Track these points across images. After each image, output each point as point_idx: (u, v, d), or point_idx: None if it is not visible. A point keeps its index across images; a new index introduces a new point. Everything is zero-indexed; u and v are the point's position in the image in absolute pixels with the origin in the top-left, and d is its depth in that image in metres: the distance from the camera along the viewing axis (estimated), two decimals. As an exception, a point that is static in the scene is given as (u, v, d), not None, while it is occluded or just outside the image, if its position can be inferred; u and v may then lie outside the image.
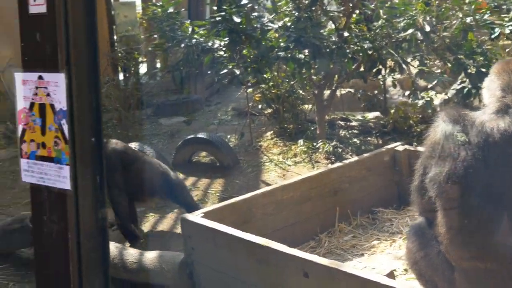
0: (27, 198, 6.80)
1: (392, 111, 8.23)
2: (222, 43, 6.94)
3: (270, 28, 6.99)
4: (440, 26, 6.81)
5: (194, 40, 6.97)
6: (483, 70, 6.33)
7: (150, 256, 4.68)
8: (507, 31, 6.40)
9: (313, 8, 6.80)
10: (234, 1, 6.58)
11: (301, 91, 8.59)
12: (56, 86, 2.09)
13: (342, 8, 7.24)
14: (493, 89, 3.53)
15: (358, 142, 7.89)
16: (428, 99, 7.20)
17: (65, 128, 2.11)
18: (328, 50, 6.58)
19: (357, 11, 7.26)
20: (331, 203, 5.28)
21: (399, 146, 5.75)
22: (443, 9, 6.67)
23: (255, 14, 6.90)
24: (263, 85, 8.17)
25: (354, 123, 8.55)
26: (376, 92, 9.42)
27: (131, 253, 4.78)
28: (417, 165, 3.70)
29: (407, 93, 7.91)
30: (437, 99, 8.34)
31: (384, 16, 6.80)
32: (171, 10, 7.18)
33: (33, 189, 2.28)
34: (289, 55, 6.73)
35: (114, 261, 4.64)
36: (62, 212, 2.20)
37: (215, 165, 7.84)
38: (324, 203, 5.25)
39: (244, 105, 9.92)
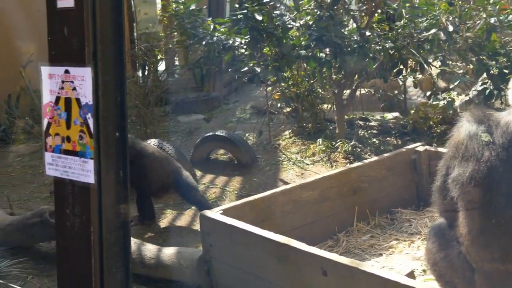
0: (46, 193, 6.86)
1: (412, 111, 8.20)
2: (243, 41, 6.93)
3: (292, 26, 6.98)
4: (463, 26, 6.77)
5: (215, 38, 6.97)
6: (506, 71, 6.30)
7: (169, 252, 4.70)
8: (531, 32, 6.37)
9: (335, 7, 6.78)
10: (256, -1, 6.59)
11: (320, 90, 8.57)
12: (82, 80, 2.09)
13: (364, 7, 7.21)
14: (519, 89, 3.51)
15: (377, 142, 7.86)
16: (450, 99, 7.17)
17: (90, 122, 2.11)
18: (349, 49, 6.56)
19: (379, 11, 7.24)
20: (350, 202, 5.27)
21: (420, 147, 5.73)
22: (466, 9, 6.64)
23: (277, 12, 6.89)
24: (283, 84, 8.16)
25: (373, 123, 8.53)
26: (396, 92, 9.38)
27: (150, 249, 4.80)
28: (440, 165, 3.68)
29: (428, 93, 7.88)
30: (458, 100, 8.30)
31: (407, 16, 6.77)
32: (193, 7, 7.19)
33: (57, 183, 2.28)
34: (310, 53, 6.71)
35: (132, 256, 4.65)
36: (85, 206, 2.20)
37: (233, 163, 7.85)
38: (343, 203, 5.24)
39: (262, 103, 9.91)
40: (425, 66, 6.88)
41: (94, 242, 2.20)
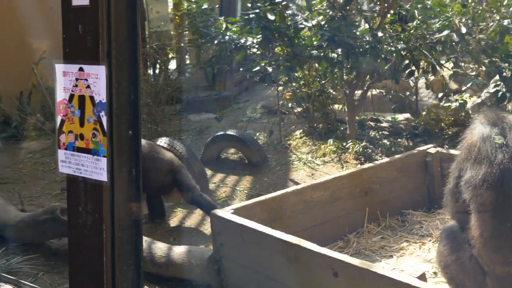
0: (57, 190, 6.88)
1: (424, 113, 8.17)
2: (255, 41, 6.93)
3: (304, 26, 6.97)
4: (476, 28, 6.75)
5: (227, 37, 6.97)
6: (519, 73, 6.28)
7: (179, 250, 4.70)
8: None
9: (348, 7, 6.77)
10: (268, -2, 6.59)
11: (332, 91, 8.55)
12: (96, 78, 2.09)
13: (377, 8, 7.20)
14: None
15: (388, 143, 7.85)
16: (462, 101, 7.14)
17: (104, 120, 2.11)
18: (361, 50, 6.55)
19: (392, 11, 7.22)
20: (360, 203, 5.26)
21: (431, 148, 5.71)
22: (479, 11, 6.62)
23: (289, 12, 6.89)
24: (294, 84, 8.15)
25: (384, 124, 8.50)
26: (407, 93, 9.36)
27: (160, 247, 4.80)
28: (452, 168, 3.68)
29: (439, 95, 7.85)
30: (470, 102, 8.28)
31: (419, 17, 6.75)
32: (205, 6, 7.19)
33: (70, 180, 2.29)
34: (322, 54, 6.71)
35: (142, 254, 4.65)
36: (98, 203, 2.20)
37: (243, 162, 7.84)
38: (354, 203, 5.23)
39: (273, 103, 9.91)
40: (437, 68, 6.86)
41: (106, 240, 2.20)
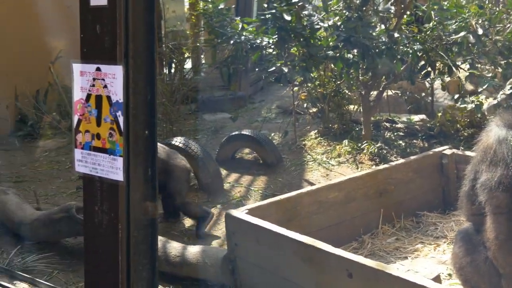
0: (72, 188, 6.91)
1: (439, 114, 8.14)
2: (271, 41, 6.93)
3: (320, 27, 6.96)
4: (492, 30, 6.72)
5: (243, 37, 6.97)
6: (535, 75, 6.25)
7: (193, 250, 4.71)
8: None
9: (364, 8, 6.76)
10: (285, -1, 6.58)
11: (347, 91, 8.54)
12: (114, 78, 2.10)
13: (393, 9, 7.18)
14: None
15: (403, 144, 7.82)
16: (478, 103, 7.12)
17: (121, 120, 2.12)
18: (377, 50, 6.54)
19: (408, 12, 7.20)
20: (375, 204, 5.26)
21: (447, 150, 5.69)
22: (496, 12, 6.59)
23: (305, 12, 6.88)
24: (310, 84, 8.14)
25: (399, 125, 8.48)
26: (423, 94, 9.33)
27: (175, 247, 4.82)
28: (468, 170, 3.66)
29: (456, 96, 7.82)
30: (485, 104, 8.24)
31: (436, 18, 6.73)
32: (221, 6, 7.19)
33: (86, 180, 2.30)
34: (338, 54, 6.70)
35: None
36: (114, 203, 2.21)
37: (258, 162, 7.84)
38: (369, 204, 5.23)
39: (288, 103, 9.90)
40: (453, 69, 6.84)
41: (122, 239, 2.21)
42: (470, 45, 6.51)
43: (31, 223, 5.46)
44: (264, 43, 7.01)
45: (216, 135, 9.40)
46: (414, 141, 8.01)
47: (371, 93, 7.71)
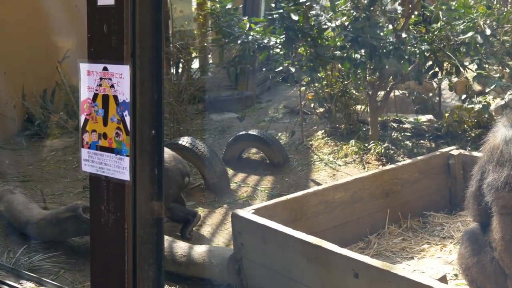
0: (79, 188, 6.91)
1: (447, 114, 8.13)
2: (278, 41, 6.92)
3: (327, 27, 6.96)
4: (500, 30, 6.71)
5: (250, 37, 6.97)
6: (543, 76, 6.23)
7: (199, 250, 4.71)
8: None
9: (372, 8, 6.75)
10: (292, -2, 6.58)
11: (354, 91, 8.53)
12: (120, 78, 2.11)
13: (400, 9, 7.17)
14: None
15: (410, 144, 7.81)
16: (485, 103, 7.10)
17: (127, 119, 2.13)
18: (385, 51, 6.53)
19: (416, 13, 7.20)
20: (382, 204, 5.25)
21: (454, 150, 5.69)
22: (504, 13, 6.58)
23: (313, 12, 6.87)
24: (317, 84, 8.13)
25: (406, 125, 8.47)
26: (430, 94, 9.32)
27: (181, 246, 4.81)
28: (474, 170, 3.66)
29: (463, 96, 7.81)
30: (493, 104, 8.22)
31: (443, 18, 6.72)
32: (229, 6, 7.20)
33: (93, 179, 2.30)
34: (345, 54, 6.70)
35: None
36: (120, 202, 2.22)
37: (265, 162, 7.84)
38: (375, 205, 5.22)
39: (295, 103, 9.90)
40: (461, 69, 6.83)
41: (128, 238, 2.21)
42: (478, 45, 6.50)
43: (37, 223, 5.47)
44: (272, 43, 7.00)
45: (223, 135, 9.40)
46: (421, 141, 8.00)
47: (378, 93, 7.70)
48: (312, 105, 9.04)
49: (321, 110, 9.03)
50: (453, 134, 7.91)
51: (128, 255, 2.22)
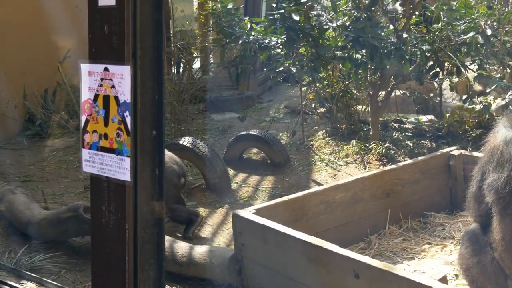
0: (80, 188, 6.92)
1: (447, 114, 8.13)
2: (279, 41, 6.93)
3: (329, 27, 6.96)
4: (501, 30, 6.71)
5: (251, 37, 6.97)
6: (543, 76, 6.23)
7: (200, 250, 4.72)
8: None
9: (373, 8, 6.75)
10: (293, -1, 6.58)
11: (355, 91, 8.53)
12: (121, 78, 2.11)
13: (400, 9, 7.17)
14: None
15: (411, 144, 7.81)
16: (486, 104, 7.11)
17: (128, 120, 2.13)
18: (386, 51, 6.53)
19: (417, 13, 7.20)
20: (383, 205, 5.25)
21: (455, 151, 5.69)
22: (505, 13, 6.58)
23: (314, 12, 6.87)
24: (318, 84, 8.13)
25: (407, 126, 8.47)
26: (431, 95, 9.31)
27: (181, 247, 4.82)
28: (475, 171, 3.66)
29: (464, 97, 7.81)
30: (494, 104, 8.22)
31: (445, 19, 6.72)
32: (230, 6, 7.20)
33: (93, 180, 2.30)
34: (346, 54, 6.70)
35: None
36: (121, 203, 2.22)
37: (266, 162, 7.84)
38: (376, 205, 5.23)
39: (296, 103, 9.90)
40: (462, 70, 6.83)
41: (129, 239, 2.21)
42: (478, 45, 6.50)
43: (38, 223, 5.47)
44: (273, 43, 7.00)
45: (224, 135, 9.41)
46: (422, 141, 8.00)
47: (379, 93, 7.70)
48: (313, 105, 9.05)
49: (322, 110, 9.03)
50: (454, 134, 7.91)
51: (129, 256, 2.22)
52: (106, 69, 2.15)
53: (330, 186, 5.10)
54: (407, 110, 9.21)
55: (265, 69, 8.41)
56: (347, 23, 6.76)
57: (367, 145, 7.60)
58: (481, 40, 6.31)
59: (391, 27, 7.18)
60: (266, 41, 7.00)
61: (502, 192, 3.30)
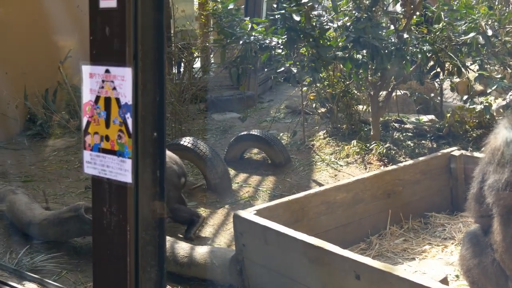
0: (81, 188, 6.92)
1: (448, 115, 8.13)
2: (280, 41, 6.93)
3: (329, 27, 6.96)
4: (502, 31, 6.72)
5: (252, 37, 6.97)
6: (544, 77, 6.24)
7: (201, 251, 4.72)
8: None
9: (374, 9, 6.75)
10: (294, -1, 6.58)
11: (356, 92, 8.54)
12: (123, 80, 2.11)
13: (403, 10, 7.17)
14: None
15: (412, 145, 7.81)
16: (487, 104, 7.11)
17: (129, 122, 2.13)
18: (386, 51, 6.53)
19: (418, 13, 7.20)
20: (383, 205, 5.26)
21: (455, 151, 5.69)
22: (506, 14, 6.58)
23: (315, 13, 6.88)
24: (319, 84, 8.14)
25: (408, 126, 8.48)
26: (432, 95, 9.32)
27: (182, 247, 4.82)
28: (476, 172, 3.66)
29: (465, 97, 7.81)
30: (494, 104, 8.22)
31: (445, 19, 6.72)
32: (231, 6, 7.21)
33: (95, 181, 2.30)
34: (347, 55, 6.70)
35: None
36: (122, 204, 2.22)
37: (266, 162, 7.85)
38: (377, 205, 5.23)
39: (297, 103, 9.90)
40: (463, 70, 6.83)
41: (130, 240, 2.21)
42: (479, 46, 6.50)
43: (40, 223, 5.47)
44: (273, 43, 7.01)
45: (224, 135, 9.41)
46: (423, 141, 8.00)
47: (380, 93, 7.70)
48: (314, 105, 9.05)
49: (323, 110, 9.03)
50: (455, 135, 7.91)
51: (130, 257, 2.22)
52: (107, 71, 2.15)
53: (331, 187, 5.11)
54: (407, 110, 9.21)
55: (266, 70, 8.41)
56: (348, 24, 6.76)
57: (368, 145, 7.60)
58: (481, 41, 6.32)
59: (392, 27, 7.18)
60: (267, 41, 7.01)
61: (503, 193, 3.31)
